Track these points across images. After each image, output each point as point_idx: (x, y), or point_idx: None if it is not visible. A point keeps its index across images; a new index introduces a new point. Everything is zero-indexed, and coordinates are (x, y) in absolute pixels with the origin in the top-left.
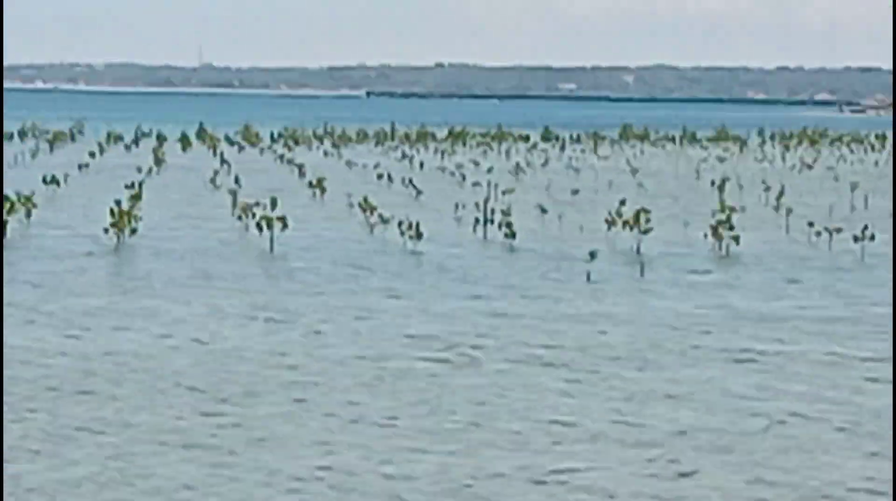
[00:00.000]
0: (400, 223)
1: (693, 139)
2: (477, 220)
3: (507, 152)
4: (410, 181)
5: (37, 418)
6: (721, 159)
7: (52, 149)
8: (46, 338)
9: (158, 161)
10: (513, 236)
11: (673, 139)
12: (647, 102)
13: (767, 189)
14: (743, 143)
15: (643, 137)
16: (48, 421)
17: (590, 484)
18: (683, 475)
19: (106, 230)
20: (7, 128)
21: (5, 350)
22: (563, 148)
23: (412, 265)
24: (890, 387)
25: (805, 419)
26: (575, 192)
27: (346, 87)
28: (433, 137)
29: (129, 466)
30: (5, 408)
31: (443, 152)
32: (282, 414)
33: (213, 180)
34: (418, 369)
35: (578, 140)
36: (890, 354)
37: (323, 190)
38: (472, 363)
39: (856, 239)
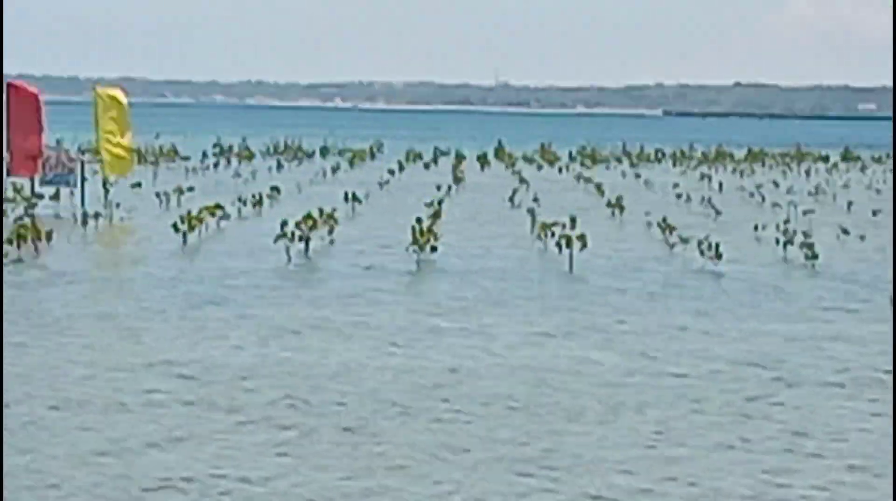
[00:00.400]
0: (700, 243)
1: None
2: (777, 240)
3: (807, 173)
4: (709, 201)
5: (387, 436)
6: None
7: (352, 166)
8: (368, 355)
9: (457, 179)
10: (814, 257)
11: None
12: None
13: None
14: None
15: None
16: (399, 440)
17: None
18: None
19: (407, 248)
20: (308, 145)
21: (335, 369)
22: (863, 169)
23: (717, 286)
24: None
25: None
26: (876, 213)
27: (643, 106)
28: (731, 156)
29: (498, 486)
30: (352, 427)
31: (741, 172)
32: (642, 435)
33: (511, 199)
34: (742, 388)
35: (880, 161)
36: None
37: (621, 209)
38: (796, 384)
39: None
